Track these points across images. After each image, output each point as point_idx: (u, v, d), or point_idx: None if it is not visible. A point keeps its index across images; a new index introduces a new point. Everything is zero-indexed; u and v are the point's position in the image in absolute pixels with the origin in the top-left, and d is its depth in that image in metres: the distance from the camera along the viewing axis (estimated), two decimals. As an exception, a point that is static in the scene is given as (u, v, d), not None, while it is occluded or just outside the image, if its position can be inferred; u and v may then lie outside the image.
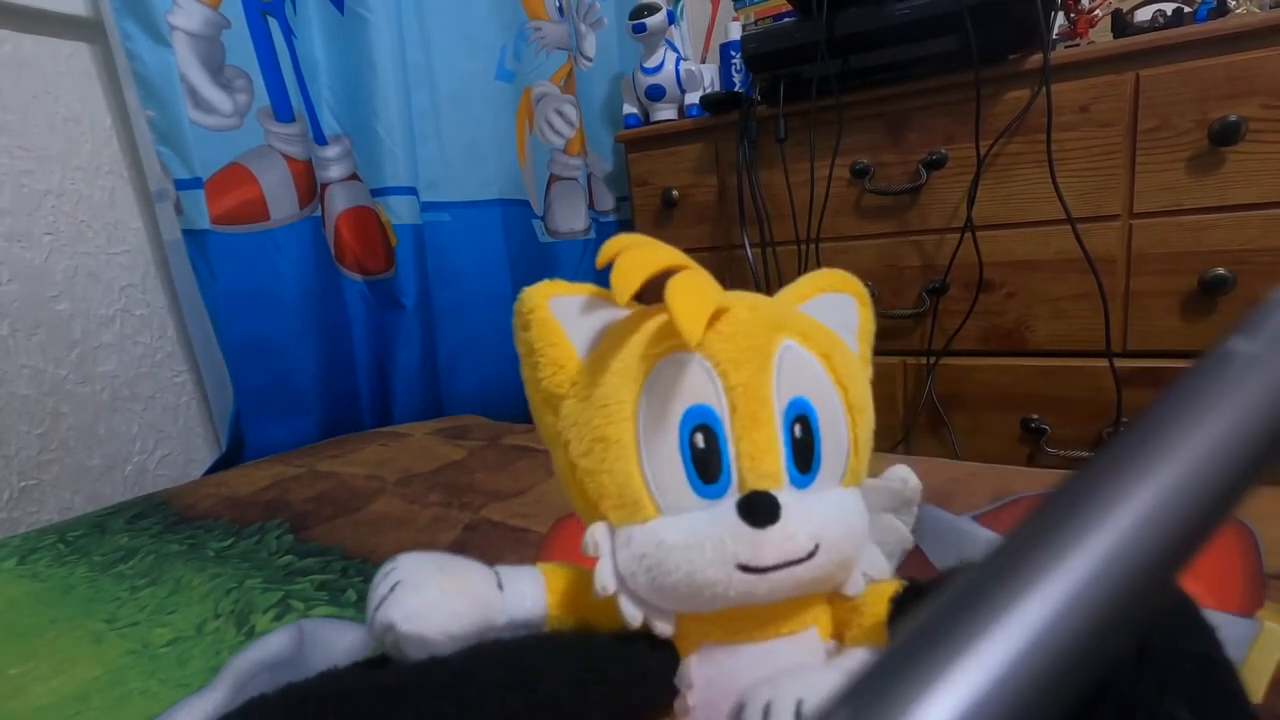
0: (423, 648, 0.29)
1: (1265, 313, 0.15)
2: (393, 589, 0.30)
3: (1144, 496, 0.12)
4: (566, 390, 0.33)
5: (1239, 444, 0.13)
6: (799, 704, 0.26)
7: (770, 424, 0.30)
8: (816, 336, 0.33)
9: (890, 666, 0.11)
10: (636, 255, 0.31)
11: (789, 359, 0.32)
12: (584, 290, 0.34)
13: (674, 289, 0.29)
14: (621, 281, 0.30)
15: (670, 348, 0.31)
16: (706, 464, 0.30)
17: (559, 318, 0.33)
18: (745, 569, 0.29)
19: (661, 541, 0.30)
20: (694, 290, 0.30)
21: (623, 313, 0.34)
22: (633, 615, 0.31)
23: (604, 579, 0.30)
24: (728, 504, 0.29)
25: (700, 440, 0.30)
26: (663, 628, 0.31)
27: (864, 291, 0.39)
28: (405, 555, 0.32)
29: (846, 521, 0.31)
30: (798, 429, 0.31)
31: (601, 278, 0.32)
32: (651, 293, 0.31)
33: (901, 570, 0.45)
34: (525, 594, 0.32)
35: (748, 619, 0.31)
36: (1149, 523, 0.12)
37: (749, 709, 0.27)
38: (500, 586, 0.32)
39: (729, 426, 0.30)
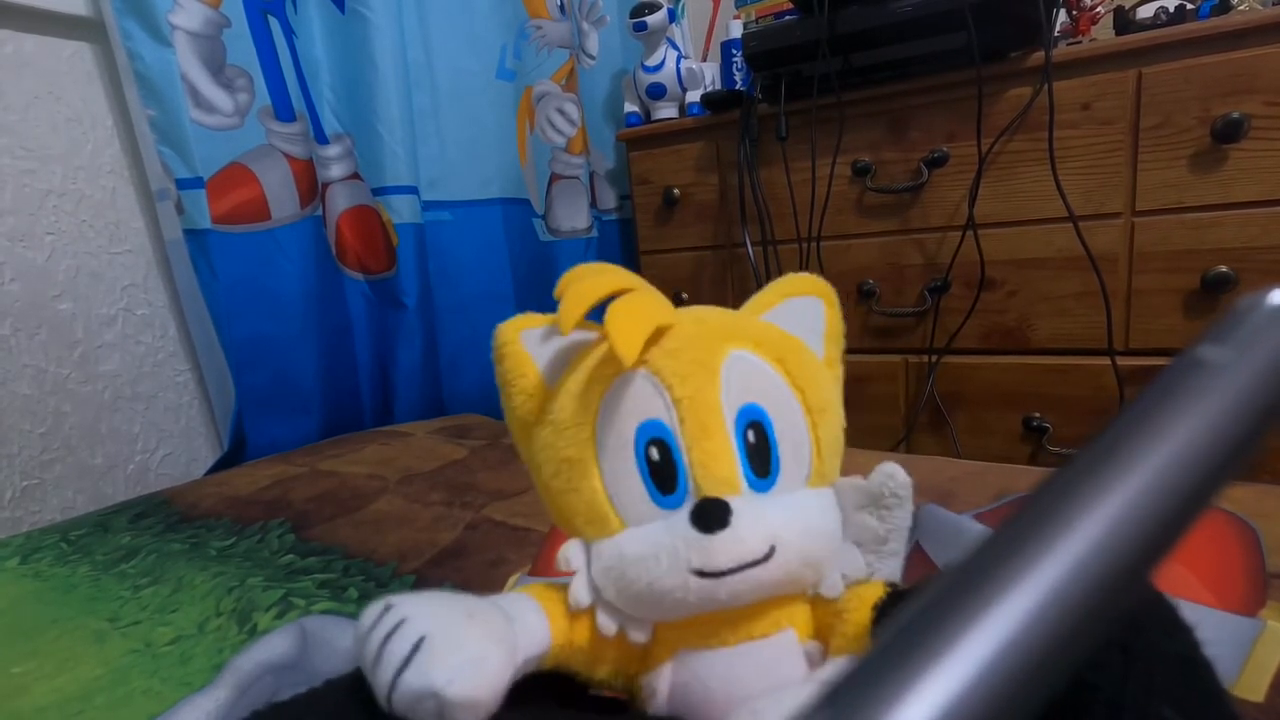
0: (473, 713, 0.26)
1: (1235, 319, 0.15)
2: (416, 646, 0.26)
3: (1113, 502, 0.13)
4: (537, 417, 0.34)
5: (1206, 450, 0.13)
6: None
7: (721, 432, 0.31)
8: (769, 343, 0.34)
9: (869, 669, 0.11)
10: (581, 287, 0.32)
11: (738, 368, 0.32)
12: (551, 320, 0.35)
13: (612, 313, 0.30)
14: (564, 313, 0.31)
15: (620, 368, 0.32)
16: (663, 475, 0.31)
17: (529, 349, 0.34)
18: (701, 574, 0.29)
19: (623, 554, 0.31)
20: (631, 312, 0.31)
21: (590, 336, 0.34)
22: (607, 626, 0.31)
23: (578, 594, 0.31)
24: (683, 512, 0.30)
25: (655, 453, 0.31)
26: (637, 636, 0.32)
27: (831, 293, 0.39)
28: (404, 601, 0.28)
29: (804, 521, 0.31)
30: (751, 435, 0.32)
31: None
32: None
33: (907, 570, 0.45)
34: (533, 628, 0.32)
35: (720, 623, 0.32)
36: (1119, 527, 0.12)
37: None
38: (511, 621, 0.31)
39: (680, 438, 0.31)
